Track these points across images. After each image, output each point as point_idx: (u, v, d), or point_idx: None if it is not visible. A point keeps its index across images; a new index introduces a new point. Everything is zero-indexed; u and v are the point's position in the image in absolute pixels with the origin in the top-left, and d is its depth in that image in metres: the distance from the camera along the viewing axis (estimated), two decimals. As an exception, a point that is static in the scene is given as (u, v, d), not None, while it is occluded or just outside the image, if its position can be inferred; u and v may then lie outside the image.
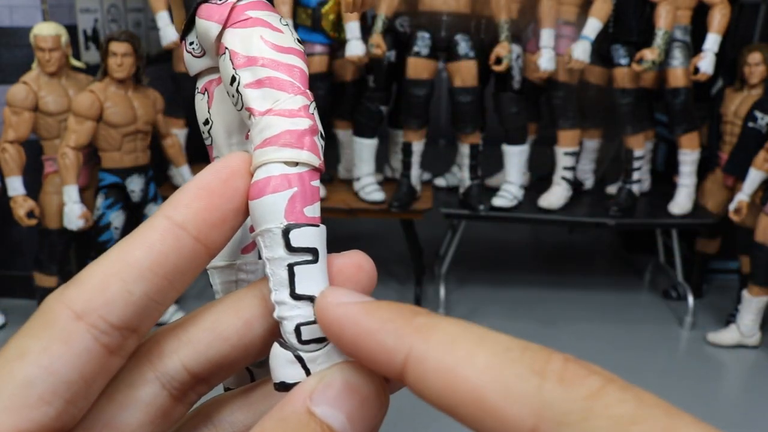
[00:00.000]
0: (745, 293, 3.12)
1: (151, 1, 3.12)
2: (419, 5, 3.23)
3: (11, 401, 0.27)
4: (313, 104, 0.30)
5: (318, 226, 0.28)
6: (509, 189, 3.38)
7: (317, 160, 0.29)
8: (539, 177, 3.78)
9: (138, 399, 0.31)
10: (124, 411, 0.30)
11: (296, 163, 0.28)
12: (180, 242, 0.28)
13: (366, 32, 3.16)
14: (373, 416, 0.26)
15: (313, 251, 0.28)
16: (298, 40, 0.32)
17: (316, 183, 0.29)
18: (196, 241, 0.29)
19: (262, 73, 0.30)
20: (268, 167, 0.28)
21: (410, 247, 3.45)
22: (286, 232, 0.27)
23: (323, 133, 0.30)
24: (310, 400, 0.26)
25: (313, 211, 0.28)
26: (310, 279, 0.27)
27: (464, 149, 3.38)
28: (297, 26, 3.21)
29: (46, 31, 2.71)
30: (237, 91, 0.30)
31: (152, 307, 0.29)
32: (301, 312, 0.27)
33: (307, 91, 0.30)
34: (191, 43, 0.34)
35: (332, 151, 3.62)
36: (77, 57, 3.16)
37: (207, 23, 0.32)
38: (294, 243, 0.27)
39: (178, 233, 0.28)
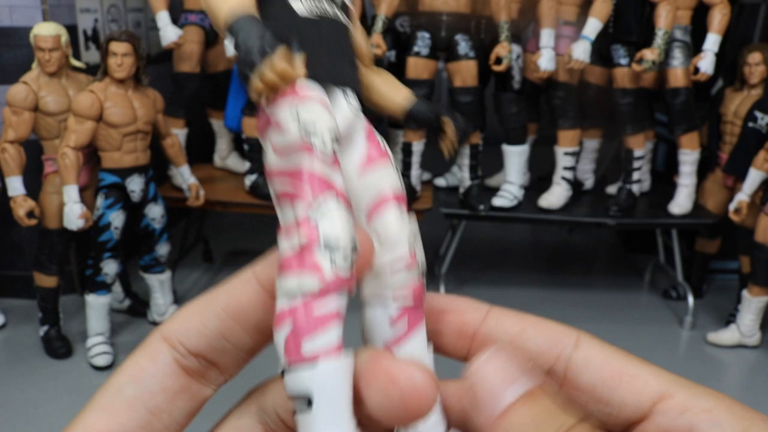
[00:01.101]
0: (745, 293, 3.12)
1: (151, 1, 3.12)
2: (419, 5, 3.23)
3: (105, 403, 0.31)
4: (323, 202, 0.27)
5: (315, 364, 0.25)
6: (509, 189, 3.38)
7: (316, 283, 0.26)
8: (539, 177, 3.78)
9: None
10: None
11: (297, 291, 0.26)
12: (256, 295, 0.31)
13: (366, 32, 3.15)
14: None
15: (306, 399, 0.25)
16: (300, 117, 0.29)
17: (324, 304, 0.26)
18: (270, 297, 0.31)
19: (274, 189, 0.29)
20: (277, 301, 0.27)
21: (410, 247, 3.44)
22: (282, 376, 0.26)
23: (346, 231, 0.27)
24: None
25: (313, 343, 0.25)
26: (309, 430, 0.25)
27: (464, 149, 3.38)
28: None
29: (46, 31, 2.71)
30: None
31: (226, 345, 0.32)
32: None
33: (311, 191, 0.27)
34: None
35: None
36: (77, 57, 3.16)
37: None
38: (289, 390, 0.25)
39: (256, 287, 0.31)
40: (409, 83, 3.20)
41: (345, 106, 0.32)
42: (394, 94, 0.43)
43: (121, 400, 0.30)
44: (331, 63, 0.34)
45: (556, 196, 3.40)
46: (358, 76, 0.36)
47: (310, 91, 0.30)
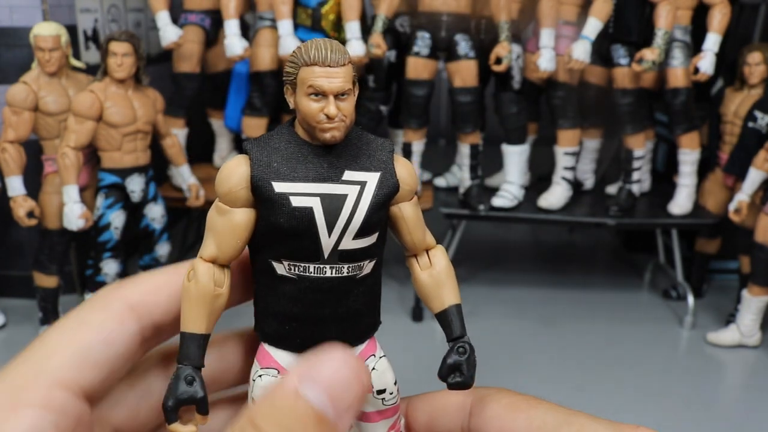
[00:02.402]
0: (745, 293, 3.11)
1: (151, 1, 3.12)
2: (419, 5, 3.23)
3: (74, 360, 0.34)
4: None
5: None
6: (509, 189, 3.38)
7: None
8: (539, 177, 3.78)
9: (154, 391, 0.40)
10: (145, 399, 0.39)
11: None
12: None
13: (366, 32, 3.15)
14: (352, 397, 0.30)
15: None
16: None
17: None
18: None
19: None
20: None
21: (410, 247, 3.44)
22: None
23: None
24: (299, 383, 0.29)
25: None
26: None
27: (464, 149, 3.38)
28: (297, 26, 3.21)
29: (46, 31, 2.70)
30: None
31: (177, 327, 0.38)
32: None
33: None
34: None
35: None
36: (77, 57, 3.16)
37: None
38: None
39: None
40: (409, 83, 3.20)
41: None
42: (432, 299, 0.52)
43: (90, 360, 0.34)
44: (311, 328, 0.44)
45: (556, 196, 3.40)
46: (360, 323, 0.49)
47: (272, 360, 0.42)
